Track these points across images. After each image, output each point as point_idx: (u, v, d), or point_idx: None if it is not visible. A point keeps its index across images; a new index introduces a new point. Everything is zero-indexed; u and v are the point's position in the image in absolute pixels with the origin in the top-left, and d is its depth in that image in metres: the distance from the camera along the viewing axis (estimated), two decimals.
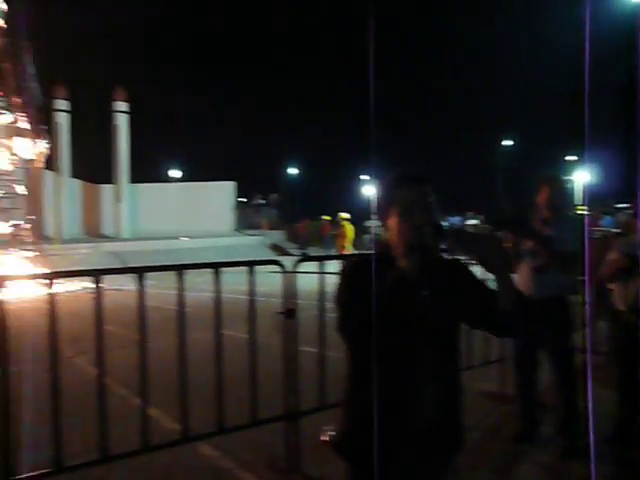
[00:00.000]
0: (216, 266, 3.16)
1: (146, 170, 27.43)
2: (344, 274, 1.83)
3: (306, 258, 3.77)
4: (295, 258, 3.67)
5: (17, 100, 14.98)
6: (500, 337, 2.04)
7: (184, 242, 21.31)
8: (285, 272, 3.42)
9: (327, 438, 4.04)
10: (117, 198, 24.31)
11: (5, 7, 14.67)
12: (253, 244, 23.83)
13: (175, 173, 37.51)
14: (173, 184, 31.41)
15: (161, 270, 3.13)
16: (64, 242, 19.77)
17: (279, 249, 24.53)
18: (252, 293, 3.35)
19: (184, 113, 39.17)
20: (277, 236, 26.43)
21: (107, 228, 24.90)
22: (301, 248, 24.95)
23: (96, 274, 2.81)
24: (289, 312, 3.45)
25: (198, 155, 38.05)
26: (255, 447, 3.87)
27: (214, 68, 44.36)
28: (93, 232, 24.75)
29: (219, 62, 44.87)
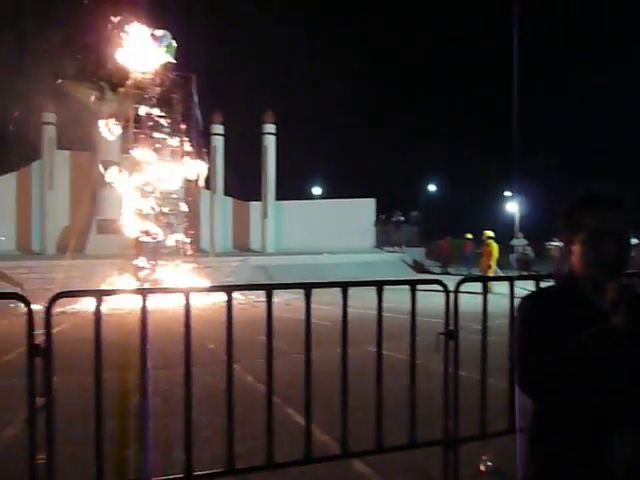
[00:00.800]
0: (379, 284, 3.18)
1: (291, 188, 28.70)
2: (526, 311, 1.64)
3: (469, 278, 3.65)
4: (458, 278, 3.57)
5: (182, 126, 16.67)
6: None
7: (325, 257, 21.89)
8: (447, 291, 3.35)
9: (485, 468, 3.85)
10: (264, 214, 25.74)
11: (175, 44, 16.44)
12: (393, 261, 23.81)
13: (317, 190, 38.97)
14: (315, 201, 32.56)
15: (327, 286, 3.23)
16: (217, 255, 21.38)
17: (420, 266, 24.24)
18: (414, 312, 3.31)
19: (327, 132, 40.48)
20: (417, 253, 26.13)
21: (254, 243, 26.40)
22: (442, 266, 24.43)
23: (269, 289, 2.98)
24: (450, 333, 3.35)
25: (339, 172, 39.08)
26: (409, 469, 3.80)
27: (356, 87, 45.50)
28: (242, 246, 26.40)
29: (361, 82, 45.94)
